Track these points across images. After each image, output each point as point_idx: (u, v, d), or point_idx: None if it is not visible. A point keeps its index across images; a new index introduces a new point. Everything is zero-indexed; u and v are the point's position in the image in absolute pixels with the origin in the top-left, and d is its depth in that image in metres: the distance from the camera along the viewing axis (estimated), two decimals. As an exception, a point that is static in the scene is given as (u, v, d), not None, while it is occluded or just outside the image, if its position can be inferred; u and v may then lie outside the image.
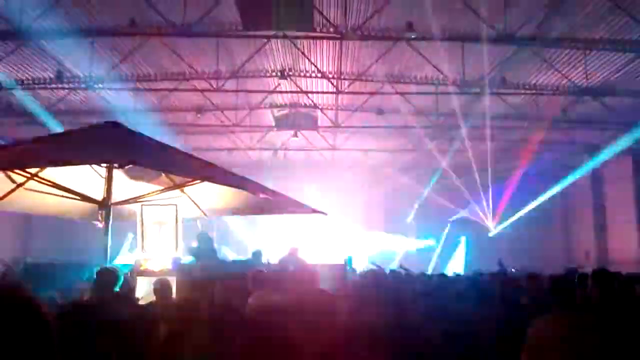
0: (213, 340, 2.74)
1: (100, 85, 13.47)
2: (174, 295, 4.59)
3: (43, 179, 4.56)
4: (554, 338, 1.78)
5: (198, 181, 4.84)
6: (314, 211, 5.69)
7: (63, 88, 13.69)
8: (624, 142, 14.72)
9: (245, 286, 4.57)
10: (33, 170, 4.50)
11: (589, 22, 10.66)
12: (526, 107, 14.77)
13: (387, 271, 8.99)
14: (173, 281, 5.86)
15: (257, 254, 8.62)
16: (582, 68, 12.30)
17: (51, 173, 4.62)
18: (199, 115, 15.29)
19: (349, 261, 9.74)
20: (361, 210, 21.53)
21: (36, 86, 13.25)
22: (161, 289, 4.28)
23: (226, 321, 2.96)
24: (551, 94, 13.87)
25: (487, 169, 18.76)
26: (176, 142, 16.94)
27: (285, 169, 20.69)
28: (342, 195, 20.82)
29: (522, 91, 13.78)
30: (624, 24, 10.58)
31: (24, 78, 12.97)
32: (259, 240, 21.23)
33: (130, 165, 4.58)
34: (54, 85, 13.32)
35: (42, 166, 4.37)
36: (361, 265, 10.82)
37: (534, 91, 13.76)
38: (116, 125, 4.53)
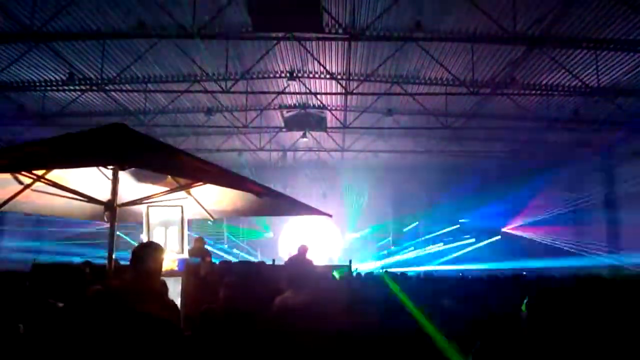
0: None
1: (112, 87, 13.60)
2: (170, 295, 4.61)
3: (49, 180, 4.60)
4: None
5: (201, 183, 4.87)
6: (319, 213, 5.67)
7: (75, 90, 13.86)
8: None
9: (251, 285, 4.60)
10: (39, 172, 4.55)
11: (600, 22, 10.53)
12: (537, 108, 14.63)
13: None
14: (178, 281, 5.97)
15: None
16: (594, 68, 12.16)
17: (58, 174, 4.67)
18: (207, 118, 15.35)
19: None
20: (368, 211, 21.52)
21: (48, 88, 13.41)
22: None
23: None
24: (562, 95, 13.73)
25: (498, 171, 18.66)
26: (187, 143, 17.18)
27: (294, 170, 20.76)
28: (349, 196, 20.87)
29: (533, 92, 13.64)
30: (635, 24, 10.45)
31: (36, 80, 13.14)
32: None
33: (134, 168, 4.62)
34: (65, 87, 13.48)
35: (47, 168, 4.42)
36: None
37: (544, 92, 13.61)
38: (122, 127, 4.55)
